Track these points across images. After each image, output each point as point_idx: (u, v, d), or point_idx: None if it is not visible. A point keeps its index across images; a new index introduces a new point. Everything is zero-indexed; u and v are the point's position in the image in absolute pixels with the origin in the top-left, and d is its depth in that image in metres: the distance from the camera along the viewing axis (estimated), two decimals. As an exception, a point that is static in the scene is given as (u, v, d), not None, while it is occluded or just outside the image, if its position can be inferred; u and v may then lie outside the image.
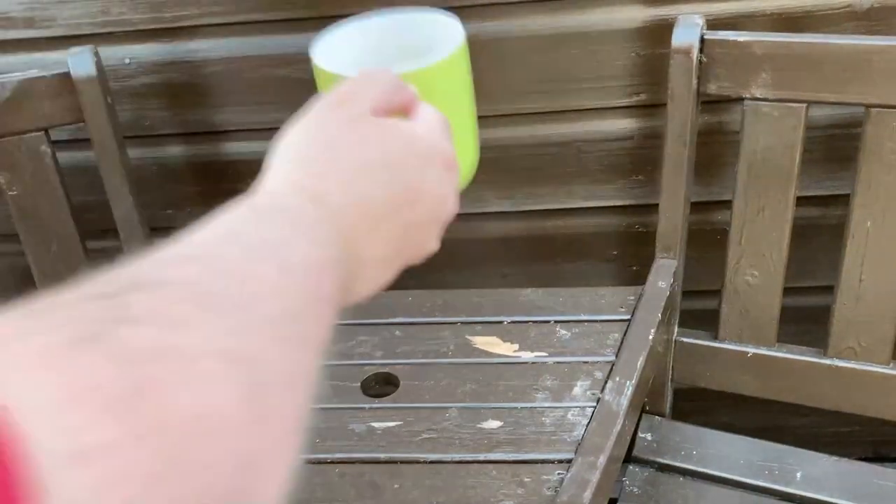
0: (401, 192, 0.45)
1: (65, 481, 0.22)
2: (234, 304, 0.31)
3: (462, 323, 1.04)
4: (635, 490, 1.09)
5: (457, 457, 0.89)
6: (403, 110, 0.49)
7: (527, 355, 1.00)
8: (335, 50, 0.59)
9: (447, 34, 0.60)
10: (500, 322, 1.04)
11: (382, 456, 0.90)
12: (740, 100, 1.01)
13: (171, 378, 0.26)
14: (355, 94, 0.47)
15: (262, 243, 0.35)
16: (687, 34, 1.00)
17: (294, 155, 0.44)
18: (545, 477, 0.85)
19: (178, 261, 0.32)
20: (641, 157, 1.20)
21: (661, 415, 1.18)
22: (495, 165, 1.22)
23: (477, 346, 1.01)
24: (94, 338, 0.25)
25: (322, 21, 1.16)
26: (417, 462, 0.89)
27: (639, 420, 1.14)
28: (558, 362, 0.98)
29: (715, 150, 1.17)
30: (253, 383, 0.29)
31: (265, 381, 0.30)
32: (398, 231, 0.45)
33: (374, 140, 0.45)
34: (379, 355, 1.01)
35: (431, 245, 0.49)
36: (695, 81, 1.01)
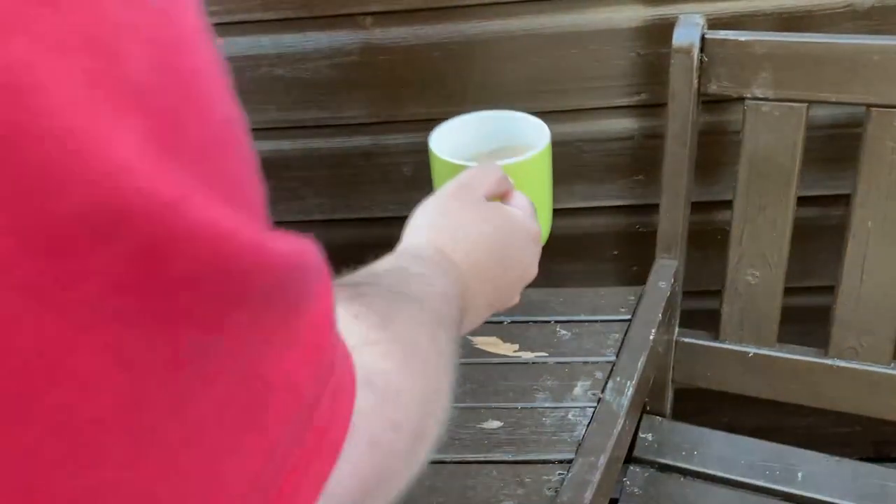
0: (502, 260, 0.59)
1: (359, 406, 0.31)
2: (418, 299, 0.45)
3: (462, 323, 1.04)
4: (636, 490, 1.08)
5: (457, 457, 0.88)
6: (503, 196, 0.64)
7: (527, 355, 1.00)
8: (447, 140, 0.75)
9: (536, 133, 0.76)
10: (501, 322, 1.03)
11: (382, 456, 0.90)
12: (741, 99, 1.01)
13: (408, 323, 0.41)
14: (473, 182, 0.62)
15: (419, 274, 0.49)
16: (687, 34, 1.00)
17: (429, 223, 0.59)
18: (546, 477, 0.85)
19: (380, 274, 0.47)
20: (642, 157, 1.20)
21: (662, 415, 1.17)
22: (495, 165, 1.22)
23: (477, 345, 1.01)
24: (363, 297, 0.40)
25: (322, 21, 1.17)
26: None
27: (639, 420, 1.14)
28: (559, 362, 0.98)
29: (715, 149, 1.17)
30: (435, 342, 0.43)
31: (440, 346, 0.44)
32: (496, 288, 0.58)
33: (486, 219, 0.59)
34: (379, 355, 1.01)
35: (515, 299, 0.63)
36: (695, 81, 1.01)
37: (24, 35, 0.19)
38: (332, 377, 0.29)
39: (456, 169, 0.67)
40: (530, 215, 0.64)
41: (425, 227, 0.58)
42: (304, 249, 0.27)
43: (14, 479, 0.22)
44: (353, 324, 0.35)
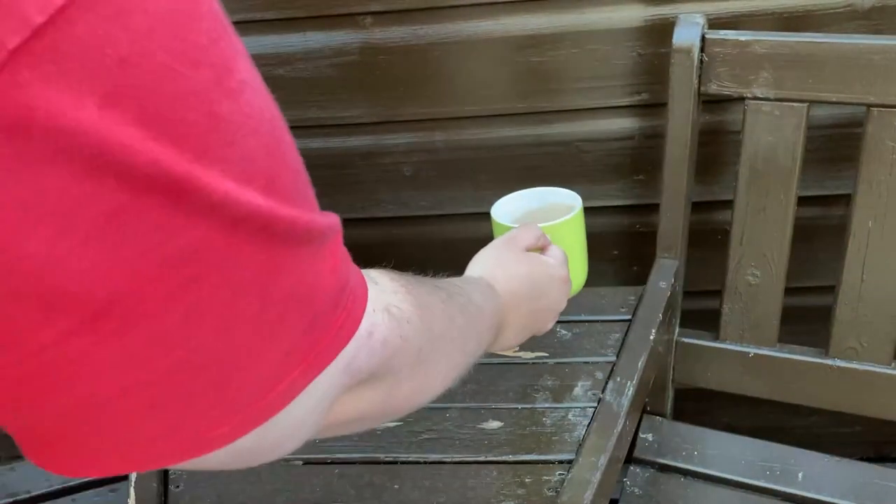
0: (532, 291, 0.76)
1: (377, 319, 0.46)
2: (470, 312, 0.63)
3: (462, 323, 1.04)
4: (636, 490, 1.08)
5: (457, 457, 0.88)
6: (542, 248, 0.82)
7: (527, 355, 1.00)
8: (504, 208, 0.95)
9: (570, 203, 0.94)
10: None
11: (382, 456, 0.90)
12: (741, 99, 1.01)
13: (430, 296, 0.56)
14: (517, 237, 0.81)
15: (461, 287, 0.65)
16: (688, 33, 1.00)
17: (481, 263, 0.77)
18: (546, 477, 0.85)
19: (443, 284, 0.62)
20: (642, 157, 1.20)
21: (662, 415, 1.17)
22: (495, 165, 1.22)
23: (477, 346, 1.01)
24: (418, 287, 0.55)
25: (322, 21, 1.17)
26: (417, 462, 0.89)
27: (640, 420, 1.14)
28: (559, 362, 0.98)
29: (716, 149, 1.17)
30: (468, 336, 0.62)
31: (472, 337, 0.63)
32: (529, 312, 0.76)
33: (522, 262, 0.78)
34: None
35: (548, 326, 0.81)
36: (696, 81, 1.01)
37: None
38: (347, 287, 0.42)
39: (505, 228, 0.88)
40: (561, 263, 0.81)
41: (478, 265, 0.77)
42: (331, 220, 0.41)
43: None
44: (389, 281, 0.51)
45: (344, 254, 0.43)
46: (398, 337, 0.48)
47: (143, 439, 0.36)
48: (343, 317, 0.42)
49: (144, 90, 0.29)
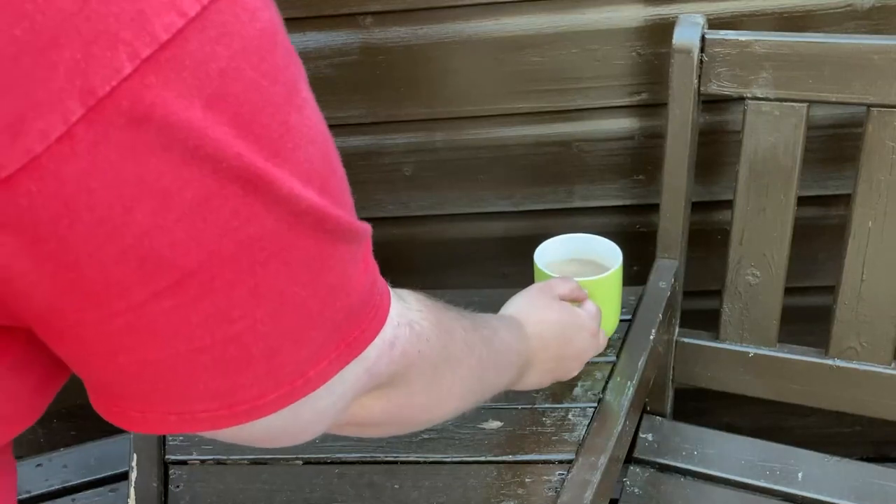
0: (559, 338, 0.83)
1: (400, 332, 0.52)
2: (494, 345, 0.70)
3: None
4: (636, 490, 1.08)
5: (457, 457, 0.88)
6: (577, 300, 0.88)
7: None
8: (546, 252, 0.99)
9: (611, 255, 0.98)
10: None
11: (382, 456, 0.90)
12: (741, 99, 1.01)
13: (453, 322, 0.62)
14: (553, 285, 0.87)
15: (493, 325, 0.72)
16: (688, 33, 0.99)
17: (516, 304, 0.84)
18: (546, 477, 0.85)
19: (471, 315, 0.68)
20: (642, 157, 1.20)
21: (662, 415, 1.17)
22: (495, 165, 1.22)
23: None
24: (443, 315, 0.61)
25: (322, 21, 1.17)
26: (417, 462, 0.89)
27: (640, 420, 1.14)
28: (559, 362, 0.98)
29: (716, 149, 1.17)
30: (488, 366, 0.68)
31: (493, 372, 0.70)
32: (555, 357, 0.82)
33: (554, 309, 0.84)
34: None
35: (573, 373, 0.87)
36: (695, 81, 1.01)
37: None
38: (375, 290, 0.48)
39: (545, 276, 0.94)
40: (593, 317, 0.87)
41: (513, 306, 0.83)
42: (366, 226, 0.46)
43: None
44: (415, 301, 0.57)
45: (373, 260, 0.49)
46: (416, 351, 0.54)
47: (204, 399, 0.41)
48: (371, 315, 0.47)
49: (236, 97, 0.35)
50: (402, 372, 0.54)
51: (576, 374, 0.88)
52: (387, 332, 0.50)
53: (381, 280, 0.50)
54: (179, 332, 0.38)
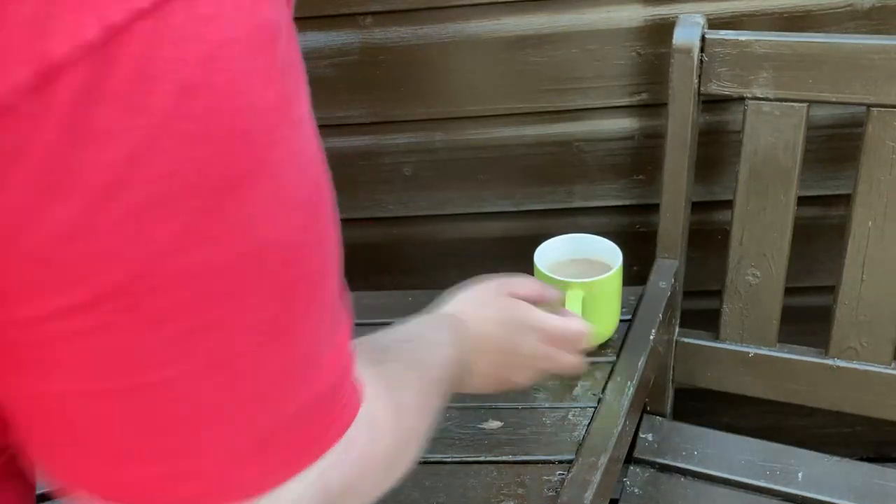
0: (504, 342, 0.74)
1: (354, 434, 0.43)
2: (425, 362, 0.61)
3: (462, 323, 1.04)
4: (636, 490, 1.08)
5: (457, 457, 0.88)
6: (540, 302, 0.78)
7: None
8: (546, 253, 0.98)
9: (612, 255, 0.97)
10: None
11: (382, 456, 0.89)
12: (741, 99, 1.01)
13: (408, 388, 0.55)
14: (510, 283, 0.78)
15: (433, 342, 0.65)
16: (688, 33, 1.00)
17: (461, 299, 0.76)
18: (546, 477, 0.85)
19: (402, 342, 0.62)
20: (642, 157, 1.20)
21: (662, 415, 1.17)
22: (495, 165, 1.22)
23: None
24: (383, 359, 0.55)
25: (322, 21, 1.16)
26: (417, 462, 0.89)
27: (640, 420, 1.14)
28: (559, 362, 0.98)
29: (716, 149, 1.17)
30: (424, 394, 0.58)
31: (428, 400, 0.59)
32: (497, 362, 0.74)
33: (503, 308, 0.76)
34: (379, 355, 1.01)
35: (520, 381, 0.77)
36: (695, 81, 1.01)
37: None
38: (347, 380, 0.43)
39: (545, 276, 0.93)
40: (563, 325, 0.78)
41: (456, 301, 0.76)
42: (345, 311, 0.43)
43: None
44: (372, 382, 0.48)
45: (351, 350, 0.44)
46: (371, 457, 0.47)
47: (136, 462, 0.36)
48: (335, 416, 0.42)
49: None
50: (354, 483, 0.45)
51: (524, 382, 0.78)
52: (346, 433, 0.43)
53: (355, 379, 0.45)
54: (84, 364, 0.33)
